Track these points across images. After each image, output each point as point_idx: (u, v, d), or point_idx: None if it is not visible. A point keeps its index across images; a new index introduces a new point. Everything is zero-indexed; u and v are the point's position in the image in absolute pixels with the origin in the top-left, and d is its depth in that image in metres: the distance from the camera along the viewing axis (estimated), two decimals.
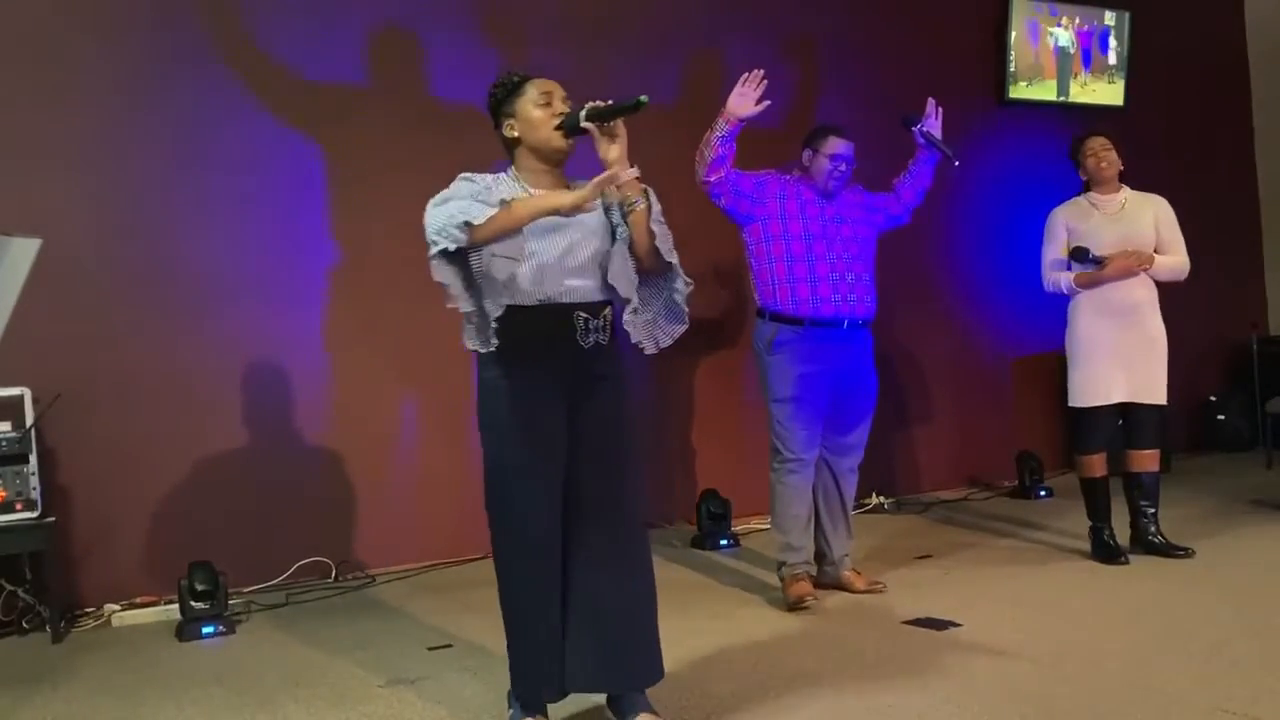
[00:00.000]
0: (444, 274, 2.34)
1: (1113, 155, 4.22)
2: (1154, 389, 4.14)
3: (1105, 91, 6.69)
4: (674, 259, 2.53)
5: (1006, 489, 5.88)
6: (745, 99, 3.53)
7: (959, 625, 3.37)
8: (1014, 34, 6.32)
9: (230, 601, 3.88)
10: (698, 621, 3.55)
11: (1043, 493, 5.67)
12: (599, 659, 2.52)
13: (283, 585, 4.33)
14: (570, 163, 2.60)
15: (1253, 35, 7.41)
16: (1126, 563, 4.09)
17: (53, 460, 4.02)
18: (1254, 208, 7.40)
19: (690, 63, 5.35)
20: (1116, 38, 6.72)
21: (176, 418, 4.27)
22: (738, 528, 4.93)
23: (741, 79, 3.56)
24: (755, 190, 3.74)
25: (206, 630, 3.70)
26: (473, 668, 3.16)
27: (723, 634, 3.41)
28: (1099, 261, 4.10)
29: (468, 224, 2.27)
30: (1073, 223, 4.24)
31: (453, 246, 2.29)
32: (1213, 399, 6.88)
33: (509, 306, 2.42)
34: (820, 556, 3.88)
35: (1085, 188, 4.30)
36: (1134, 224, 4.17)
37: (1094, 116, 6.22)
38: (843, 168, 3.76)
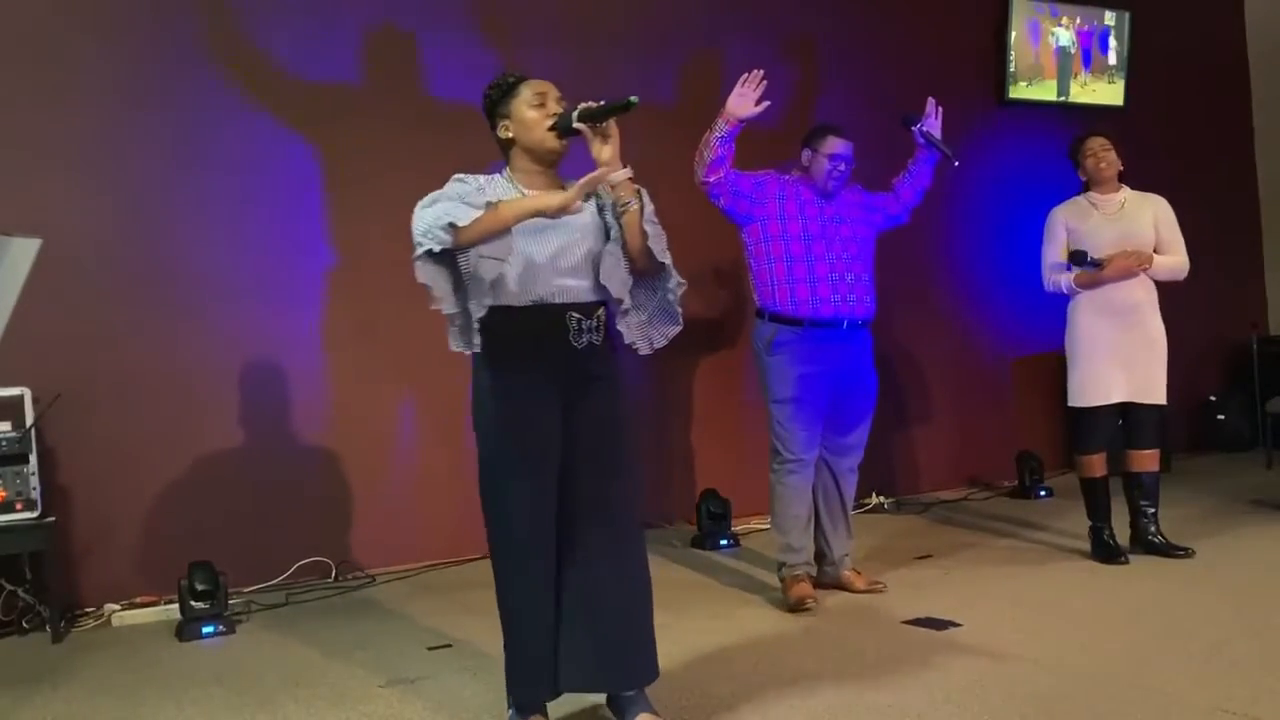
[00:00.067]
0: (428, 275, 2.35)
1: (1112, 155, 4.22)
2: (1154, 389, 4.14)
3: (1105, 91, 6.69)
4: (667, 259, 2.53)
5: (1006, 489, 5.88)
6: (745, 99, 3.53)
7: (959, 625, 3.37)
8: (1014, 34, 6.32)
9: (230, 601, 3.88)
10: (698, 621, 3.55)
11: (1043, 493, 5.67)
12: (595, 659, 2.52)
13: (283, 585, 4.33)
14: (567, 163, 2.60)
15: (1253, 35, 7.41)
16: (1126, 563, 4.09)
17: (53, 460, 4.02)
18: (1254, 208, 7.40)
19: (690, 63, 5.35)
20: (1117, 38, 6.72)
21: (176, 418, 4.27)
22: (738, 528, 4.92)
23: (741, 79, 3.55)
24: (754, 190, 3.74)
25: (206, 630, 3.70)
26: (472, 668, 3.16)
27: (723, 634, 3.41)
28: (1097, 264, 4.10)
29: (452, 226, 2.28)
30: (1072, 222, 4.24)
31: (437, 248, 2.30)
32: (1213, 399, 6.88)
33: (502, 308, 2.42)
34: (820, 556, 3.88)
35: (1085, 188, 4.30)
36: (1133, 224, 4.17)
37: (1094, 116, 6.22)
38: (842, 167, 3.76)
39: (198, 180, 4.35)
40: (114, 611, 3.98)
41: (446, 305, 2.37)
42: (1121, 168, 4.25)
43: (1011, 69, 6.34)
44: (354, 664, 3.31)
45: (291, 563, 4.40)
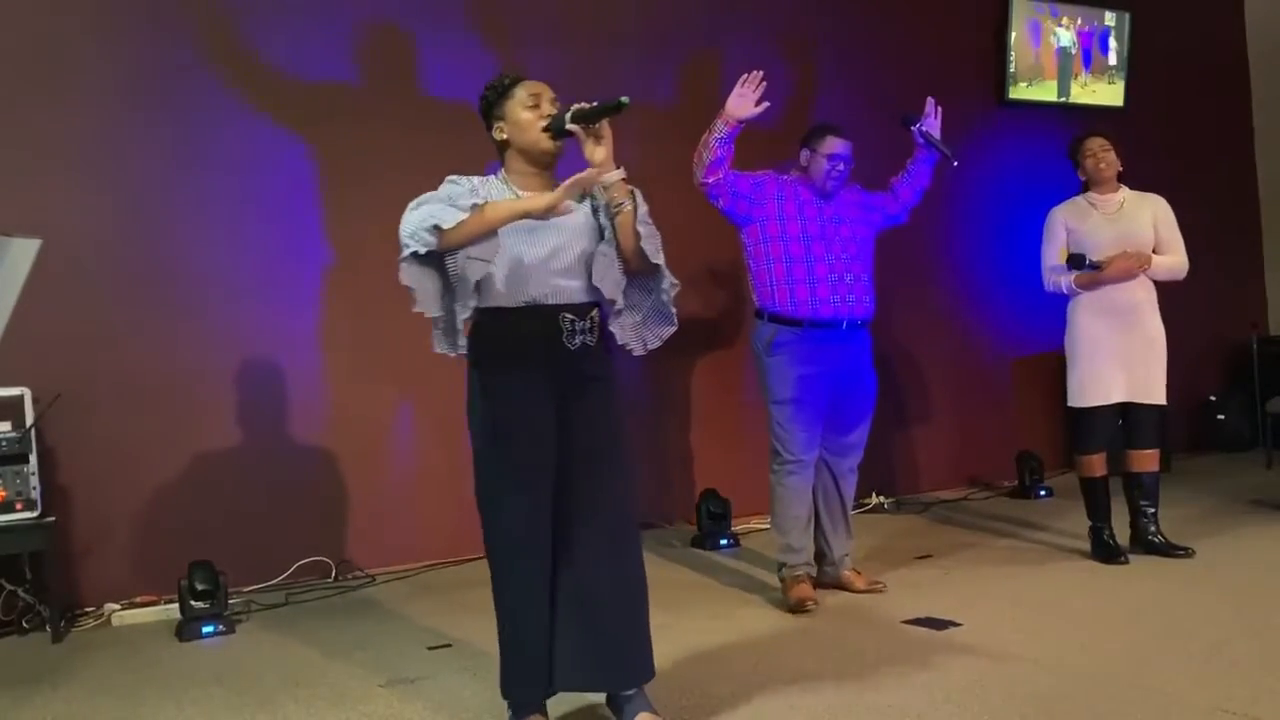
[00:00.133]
0: (411, 277, 2.36)
1: (1111, 156, 4.22)
2: (1153, 389, 4.14)
3: (1105, 92, 6.69)
4: (660, 260, 2.53)
5: (1006, 489, 5.88)
6: (744, 100, 3.53)
7: (959, 625, 3.37)
8: (1014, 34, 6.32)
9: (230, 601, 3.88)
10: (697, 621, 3.55)
11: (1043, 493, 5.67)
12: (591, 658, 2.52)
13: (283, 585, 4.33)
14: (565, 165, 2.60)
15: (1253, 35, 7.41)
16: (1126, 563, 4.09)
17: (53, 460, 4.02)
18: (1254, 208, 7.40)
19: (689, 63, 5.35)
20: (1117, 38, 6.72)
21: (176, 418, 4.27)
22: (737, 528, 4.92)
23: (740, 80, 3.55)
24: (753, 191, 3.74)
25: (206, 630, 3.70)
26: (472, 668, 3.17)
27: (722, 634, 3.41)
28: (1096, 266, 4.10)
29: (437, 228, 2.28)
30: (1072, 222, 4.24)
31: (423, 250, 2.30)
32: (1213, 399, 6.88)
33: (496, 309, 2.42)
34: (820, 556, 3.88)
35: (1084, 188, 4.30)
36: (1132, 224, 4.17)
37: (1094, 117, 6.22)
38: (840, 167, 3.76)
39: (198, 180, 4.35)
40: (114, 611, 3.98)
41: (429, 308, 2.39)
42: (1121, 168, 4.25)
43: (1012, 69, 6.34)
44: (354, 664, 3.31)
45: (291, 563, 4.40)
